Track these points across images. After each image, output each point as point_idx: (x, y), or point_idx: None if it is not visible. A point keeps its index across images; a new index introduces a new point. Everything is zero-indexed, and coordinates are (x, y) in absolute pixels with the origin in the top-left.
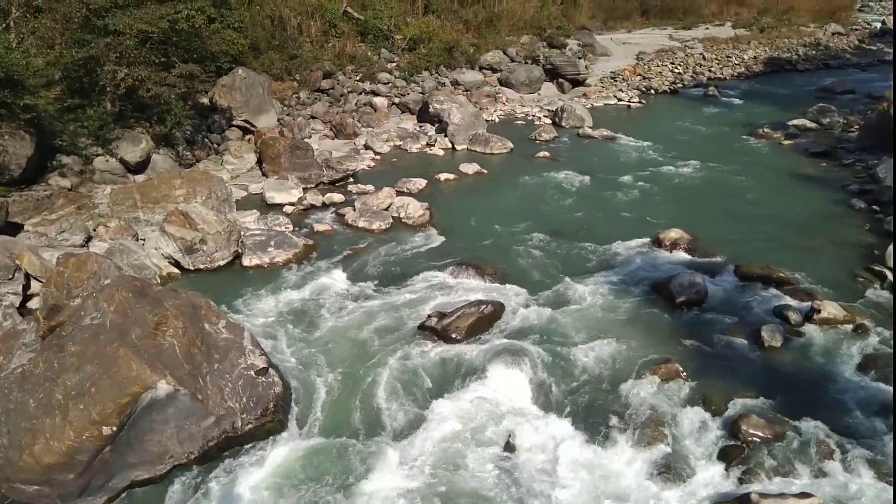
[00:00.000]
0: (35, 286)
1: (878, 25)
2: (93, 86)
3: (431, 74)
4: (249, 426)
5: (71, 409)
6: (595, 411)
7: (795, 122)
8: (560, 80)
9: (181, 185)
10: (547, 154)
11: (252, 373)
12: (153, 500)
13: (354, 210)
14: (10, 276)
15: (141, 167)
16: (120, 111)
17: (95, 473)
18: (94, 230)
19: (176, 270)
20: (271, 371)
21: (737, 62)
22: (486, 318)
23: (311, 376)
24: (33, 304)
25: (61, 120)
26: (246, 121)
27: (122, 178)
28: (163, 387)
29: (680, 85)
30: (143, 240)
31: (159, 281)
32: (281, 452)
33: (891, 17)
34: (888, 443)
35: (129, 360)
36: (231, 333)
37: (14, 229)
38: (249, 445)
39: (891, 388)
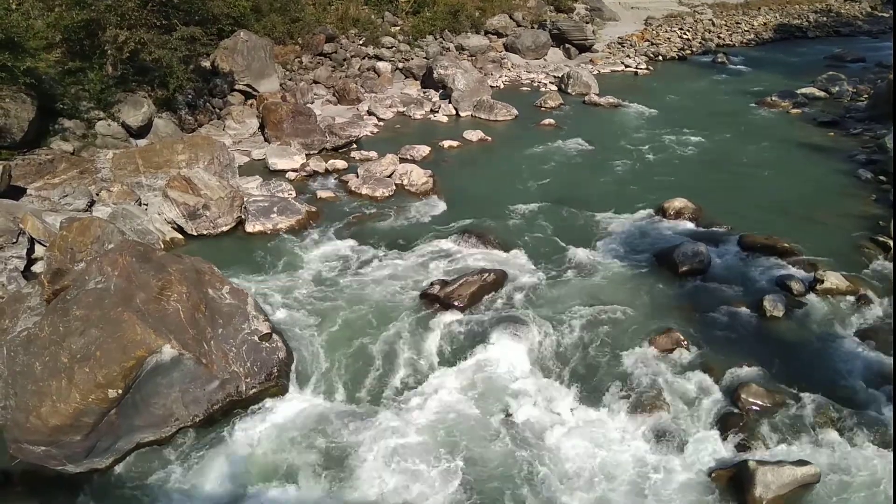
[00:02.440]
0: (39, 250)
1: None
2: (94, 49)
3: (436, 39)
4: (253, 390)
5: (77, 372)
6: (596, 379)
7: (804, 90)
8: (567, 45)
9: (183, 151)
10: (552, 121)
11: (256, 338)
12: (159, 462)
13: (357, 177)
14: (14, 240)
15: (143, 131)
16: (122, 75)
17: (102, 435)
18: (97, 194)
19: (179, 236)
20: (275, 336)
21: (746, 28)
22: (488, 286)
23: (314, 342)
24: (37, 268)
25: (62, 83)
26: (248, 85)
27: (124, 142)
28: (167, 351)
29: (688, 51)
30: (146, 205)
31: (163, 246)
32: (284, 417)
33: None
34: (886, 412)
35: (134, 325)
36: (235, 299)
37: (17, 193)
38: (253, 409)
39: (891, 360)
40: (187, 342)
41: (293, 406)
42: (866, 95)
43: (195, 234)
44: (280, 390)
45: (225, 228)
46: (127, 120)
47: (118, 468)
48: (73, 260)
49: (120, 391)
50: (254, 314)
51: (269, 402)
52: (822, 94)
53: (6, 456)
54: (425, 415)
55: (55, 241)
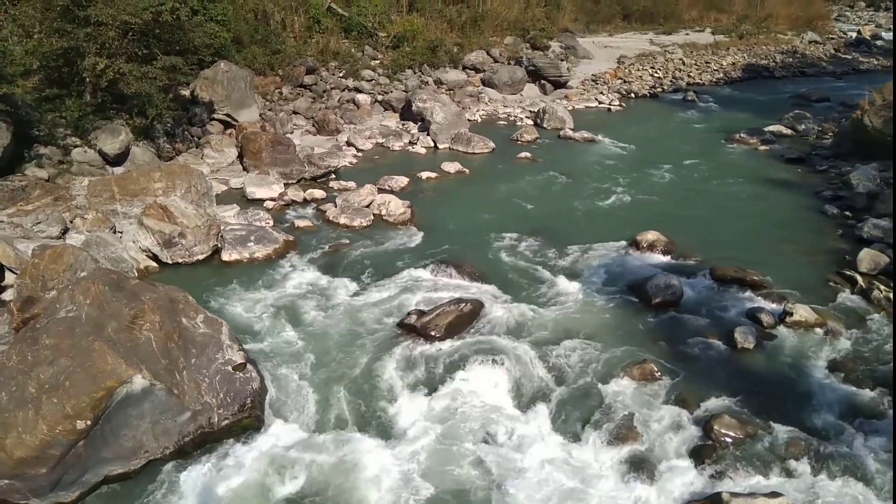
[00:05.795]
0: (10, 278)
1: (854, 35)
2: (72, 76)
3: (415, 73)
4: (226, 422)
5: (44, 402)
6: (570, 410)
7: (772, 128)
8: (542, 81)
9: (160, 179)
10: (528, 155)
11: (230, 368)
12: (127, 495)
13: (336, 207)
14: None
15: (120, 159)
16: (100, 102)
17: (68, 468)
18: (71, 222)
19: (154, 264)
20: (249, 367)
21: (715, 68)
22: (465, 317)
23: (289, 373)
24: (7, 295)
25: (39, 110)
26: (227, 115)
27: (100, 169)
28: (138, 381)
29: (659, 89)
30: (121, 233)
31: (137, 274)
32: (257, 448)
33: (867, 28)
34: (856, 443)
35: (105, 354)
36: (209, 328)
37: None
38: (225, 441)
39: (860, 391)
40: (159, 372)
41: (267, 438)
42: (831, 134)
43: (170, 262)
44: (253, 422)
45: (201, 257)
46: (104, 147)
47: (85, 502)
48: (45, 288)
49: (89, 422)
50: (228, 344)
51: (242, 434)
52: (788, 131)
53: None
54: (400, 446)
55: (26, 269)
